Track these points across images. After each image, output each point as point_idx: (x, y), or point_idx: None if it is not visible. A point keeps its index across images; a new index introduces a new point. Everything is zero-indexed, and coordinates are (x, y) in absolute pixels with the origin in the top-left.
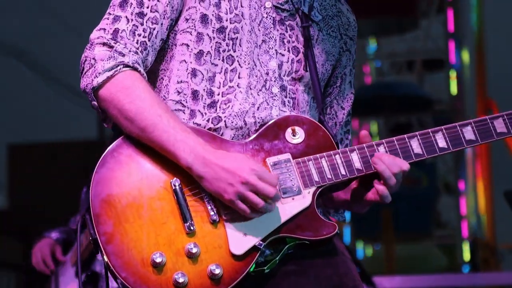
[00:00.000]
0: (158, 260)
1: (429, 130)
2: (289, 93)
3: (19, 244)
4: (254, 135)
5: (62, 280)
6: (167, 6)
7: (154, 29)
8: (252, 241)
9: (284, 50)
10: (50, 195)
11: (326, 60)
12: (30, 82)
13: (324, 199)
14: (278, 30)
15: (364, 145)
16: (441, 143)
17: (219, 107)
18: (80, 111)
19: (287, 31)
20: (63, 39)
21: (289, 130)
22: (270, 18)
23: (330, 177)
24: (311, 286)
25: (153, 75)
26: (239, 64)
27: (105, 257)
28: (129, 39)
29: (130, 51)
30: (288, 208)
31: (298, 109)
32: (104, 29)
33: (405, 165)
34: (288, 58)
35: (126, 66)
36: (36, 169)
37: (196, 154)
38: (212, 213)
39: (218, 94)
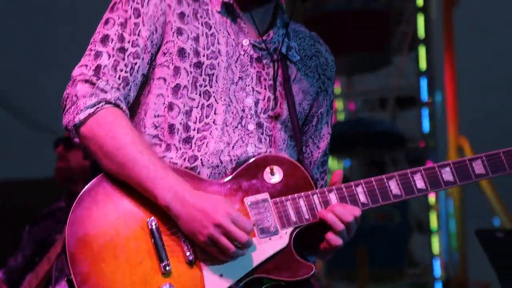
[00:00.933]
0: None
1: (408, 170)
2: (265, 131)
3: None
4: (233, 174)
5: None
6: (147, 40)
7: (135, 63)
8: (228, 282)
9: (261, 88)
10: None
11: (303, 99)
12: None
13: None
14: (255, 68)
15: (343, 185)
16: (420, 184)
17: (194, 144)
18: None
19: (264, 69)
20: (36, 76)
21: (267, 170)
22: (247, 56)
23: (307, 217)
24: None
25: (130, 110)
26: (215, 100)
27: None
28: (111, 75)
29: (112, 87)
30: (265, 249)
31: (275, 146)
32: (86, 66)
33: (357, 211)
34: (265, 95)
35: (108, 102)
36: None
37: (174, 193)
38: (188, 253)
39: (194, 130)
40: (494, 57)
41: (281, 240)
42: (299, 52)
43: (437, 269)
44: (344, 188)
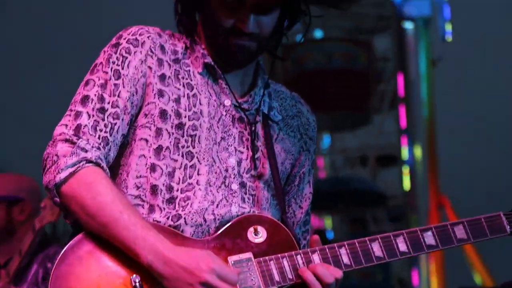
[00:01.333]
0: None
1: (391, 233)
2: (248, 190)
3: None
4: (216, 233)
5: None
6: (127, 101)
7: (115, 124)
8: None
9: (243, 147)
10: None
11: (285, 158)
12: None
13: None
14: (237, 128)
15: (326, 246)
16: (402, 247)
17: (178, 204)
18: None
19: (246, 129)
20: (20, 134)
21: (251, 229)
22: (229, 116)
23: (291, 277)
24: None
25: (111, 171)
26: (198, 161)
27: None
28: (91, 135)
29: (92, 146)
30: None
31: (258, 206)
32: (66, 125)
33: (339, 273)
34: (247, 155)
35: (89, 161)
36: None
37: (155, 252)
38: None
39: (177, 190)
40: (475, 114)
41: None
42: (280, 112)
43: None
44: (327, 249)
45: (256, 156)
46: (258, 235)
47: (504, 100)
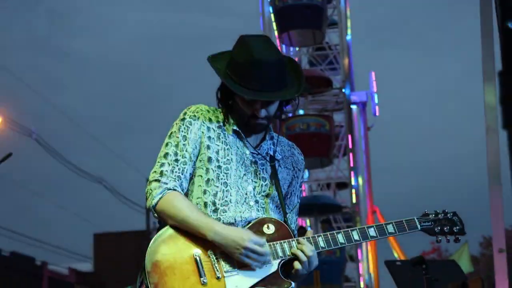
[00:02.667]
0: None
1: (364, 226)
2: (260, 204)
3: None
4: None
5: None
6: (191, 154)
7: (184, 168)
8: None
9: (257, 179)
10: (117, 264)
11: (284, 183)
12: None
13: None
14: (253, 167)
15: (310, 236)
16: (372, 232)
17: (219, 213)
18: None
19: (258, 167)
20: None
21: (265, 226)
22: (249, 160)
23: (288, 253)
24: None
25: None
26: (230, 188)
27: None
28: (170, 175)
29: (171, 181)
30: (263, 271)
31: (266, 214)
32: (155, 171)
33: (316, 249)
34: (260, 184)
35: (169, 189)
36: (108, 249)
37: (214, 231)
38: (217, 273)
39: (219, 205)
40: (394, 158)
41: (273, 267)
42: (280, 153)
43: (361, 283)
44: (311, 238)
45: (265, 183)
46: (269, 229)
47: (410, 146)
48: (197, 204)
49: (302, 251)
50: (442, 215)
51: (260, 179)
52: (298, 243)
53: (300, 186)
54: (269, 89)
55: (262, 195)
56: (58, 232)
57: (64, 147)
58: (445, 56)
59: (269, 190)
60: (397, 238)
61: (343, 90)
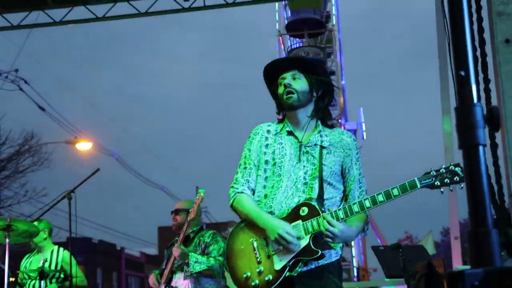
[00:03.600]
0: (247, 276)
1: (374, 194)
2: (308, 185)
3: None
4: (287, 213)
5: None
6: (255, 160)
7: (250, 173)
8: (284, 262)
9: (308, 165)
10: None
11: (333, 165)
12: (167, 201)
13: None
14: (304, 156)
15: (332, 211)
16: (381, 198)
17: (271, 201)
18: None
19: (309, 156)
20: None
21: (301, 209)
22: (299, 151)
23: (317, 229)
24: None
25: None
26: (283, 177)
27: (228, 274)
28: (240, 181)
29: (241, 185)
30: (299, 246)
31: (311, 194)
32: (233, 179)
33: (340, 225)
34: (308, 169)
35: (239, 192)
36: (168, 237)
37: (263, 222)
38: (267, 252)
39: (271, 194)
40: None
41: (305, 241)
42: (328, 141)
43: (354, 262)
44: (333, 212)
45: (314, 168)
46: (303, 212)
47: (388, 162)
48: (258, 196)
49: (322, 225)
50: (444, 169)
51: (310, 165)
52: (323, 218)
53: (357, 161)
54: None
55: (311, 177)
56: (132, 226)
57: (136, 164)
58: (413, 96)
59: (316, 172)
60: (381, 229)
61: (340, 121)
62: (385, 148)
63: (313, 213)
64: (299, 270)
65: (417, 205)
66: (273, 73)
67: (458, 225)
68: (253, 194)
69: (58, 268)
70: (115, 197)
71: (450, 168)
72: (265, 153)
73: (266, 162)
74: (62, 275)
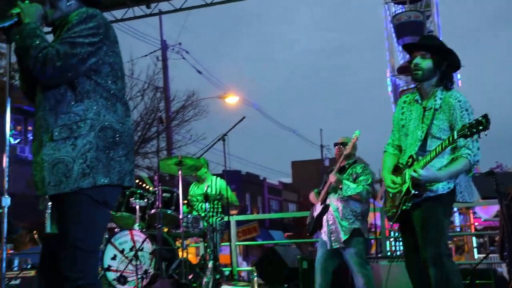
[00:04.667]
0: (386, 209)
1: (441, 143)
2: (423, 141)
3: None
4: (405, 163)
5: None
6: (396, 127)
7: (395, 136)
8: (398, 200)
9: (424, 125)
10: (303, 178)
11: (441, 123)
12: (298, 141)
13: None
14: (424, 118)
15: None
16: (439, 148)
17: (404, 154)
18: None
19: (425, 118)
20: None
21: (409, 160)
22: (422, 114)
23: (409, 176)
24: (419, 217)
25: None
26: (408, 136)
27: None
28: (389, 142)
29: (389, 146)
30: (404, 188)
31: (424, 148)
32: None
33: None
34: (424, 128)
35: (385, 151)
36: (299, 170)
37: (384, 177)
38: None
39: (403, 150)
40: None
41: (407, 184)
42: (440, 104)
43: None
44: (419, 159)
45: (427, 126)
46: (410, 162)
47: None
48: (401, 152)
49: (410, 172)
50: (474, 121)
51: (425, 125)
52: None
53: (461, 118)
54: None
55: (424, 134)
56: (271, 160)
57: (273, 112)
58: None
59: (429, 130)
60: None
61: None
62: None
63: (412, 163)
64: (409, 204)
65: (508, 137)
66: (409, 51)
67: None
68: (400, 150)
69: (217, 193)
70: (258, 138)
71: (479, 118)
72: (401, 119)
73: (403, 126)
74: (218, 197)
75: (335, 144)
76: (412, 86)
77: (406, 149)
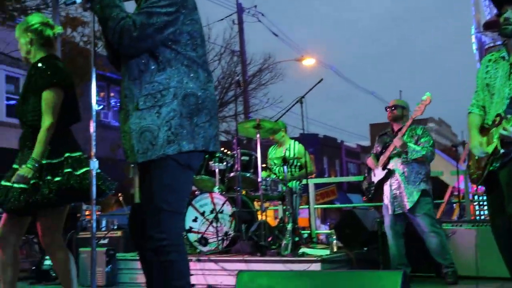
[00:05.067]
0: (471, 171)
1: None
2: (511, 100)
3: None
4: (492, 123)
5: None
6: (480, 86)
7: (479, 97)
8: (485, 161)
9: (510, 82)
10: None
11: None
12: (375, 103)
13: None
14: (510, 75)
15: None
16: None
17: (488, 114)
18: None
19: (511, 75)
20: None
21: (496, 119)
22: (509, 70)
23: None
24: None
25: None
26: (494, 95)
27: None
28: (473, 103)
29: (473, 107)
30: (490, 148)
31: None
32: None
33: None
34: (511, 85)
35: (469, 112)
36: (376, 132)
37: (471, 139)
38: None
39: (487, 110)
40: None
41: (495, 143)
42: None
43: None
44: (508, 118)
45: None
46: (497, 121)
47: None
48: (486, 112)
49: (499, 130)
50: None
51: None
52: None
53: None
54: None
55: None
56: (349, 123)
57: (351, 74)
58: None
59: None
60: None
61: None
62: None
63: (501, 121)
64: (496, 165)
65: None
66: (498, 5)
67: None
68: (485, 111)
69: (296, 156)
70: (335, 100)
71: None
72: (485, 78)
73: (487, 85)
74: (298, 163)
75: (387, 108)
76: (498, 43)
77: (491, 109)
